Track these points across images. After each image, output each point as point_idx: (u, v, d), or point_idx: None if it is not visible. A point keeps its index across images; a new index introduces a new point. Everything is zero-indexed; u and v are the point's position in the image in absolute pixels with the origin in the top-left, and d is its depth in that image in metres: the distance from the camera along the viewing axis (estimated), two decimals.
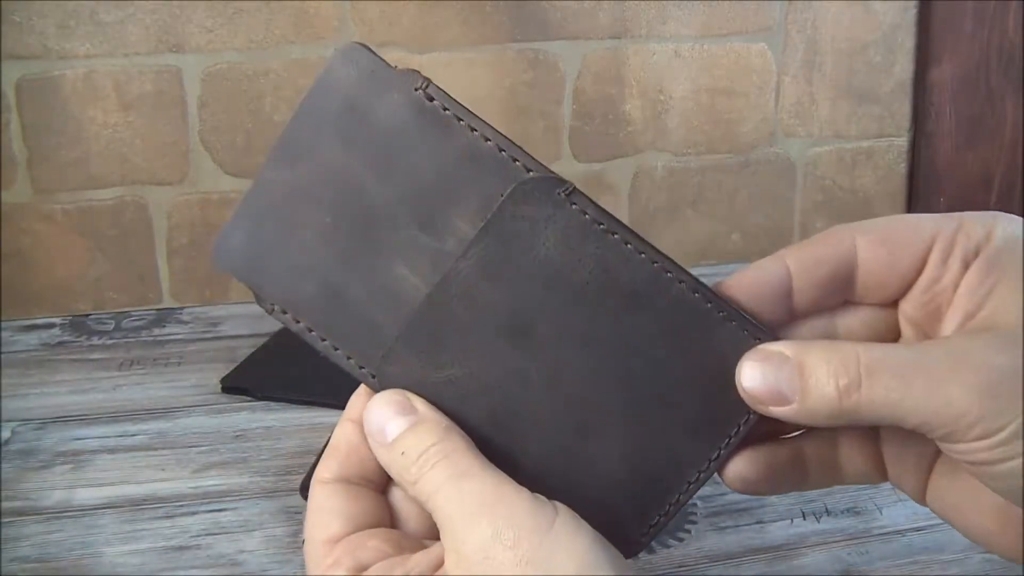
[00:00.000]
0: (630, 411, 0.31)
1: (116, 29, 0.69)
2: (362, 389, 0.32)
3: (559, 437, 0.31)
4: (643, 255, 0.31)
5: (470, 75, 0.74)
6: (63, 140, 0.71)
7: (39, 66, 0.69)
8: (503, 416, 0.31)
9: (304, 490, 0.50)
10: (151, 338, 0.71)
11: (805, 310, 0.32)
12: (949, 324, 0.30)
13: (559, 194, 0.30)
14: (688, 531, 0.48)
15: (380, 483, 0.32)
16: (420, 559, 0.30)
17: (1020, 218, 0.31)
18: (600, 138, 0.79)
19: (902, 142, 0.85)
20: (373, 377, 0.31)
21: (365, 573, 0.30)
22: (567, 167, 0.79)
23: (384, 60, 0.30)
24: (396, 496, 0.32)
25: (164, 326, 0.72)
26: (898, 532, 0.48)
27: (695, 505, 0.50)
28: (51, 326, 0.72)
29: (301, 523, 0.49)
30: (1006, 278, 0.29)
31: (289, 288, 0.31)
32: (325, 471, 0.32)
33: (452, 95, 0.30)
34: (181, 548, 0.47)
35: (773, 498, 0.51)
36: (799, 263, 0.31)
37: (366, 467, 0.32)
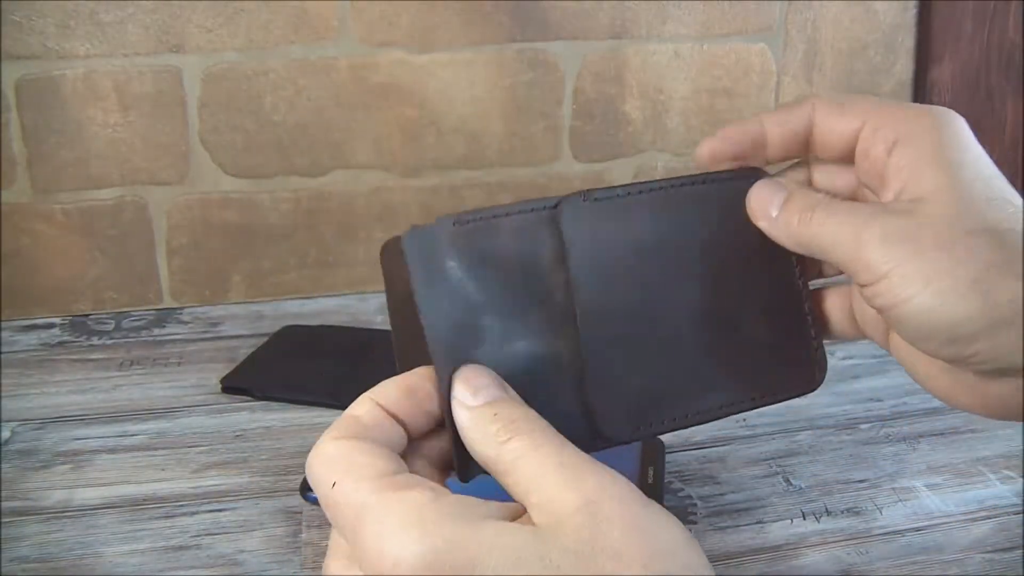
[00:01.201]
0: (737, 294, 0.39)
1: (116, 29, 0.69)
2: (397, 377, 0.33)
3: (715, 341, 0.38)
4: (651, 190, 0.38)
5: (470, 75, 0.74)
6: (63, 140, 0.71)
7: (39, 66, 0.69)
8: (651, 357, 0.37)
9: (304, 490, 0.50)
10: (151, 338, 0.71)
11: (777, 158, 0.40)
12: (888, 194, 0.36)
13: (583, 200, 0.36)
14: (688, 531, 0.48)
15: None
16: (495, 505, 0.29)
17: (958, 116, 0.36)
18: (600, 138, 0.79)
19: None
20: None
21: (448, 495, 0.29)
22: (567, 167, 0.79)
23: (428, 225, 0.35)
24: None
25: (164, 326, 0.72)
26: (898, 532, 0.48)
27: (695, 505, 0.50)
28: (51, 326, 0.73)
29: (300, 523, 0.49)
30: (922, 161, 0.35)
31: None
32: (341, 431, 0.31)
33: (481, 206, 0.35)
34: (181, 548, 0.47)
35: (773, 498, 0.51)
36: (770, 119, 0.39)
37: (391, 440, 0.32)
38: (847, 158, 0.38)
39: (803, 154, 0.40)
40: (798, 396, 0.39)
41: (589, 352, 0.36)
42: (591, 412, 0.36)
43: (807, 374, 0.39)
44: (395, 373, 0.34)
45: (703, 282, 0.38)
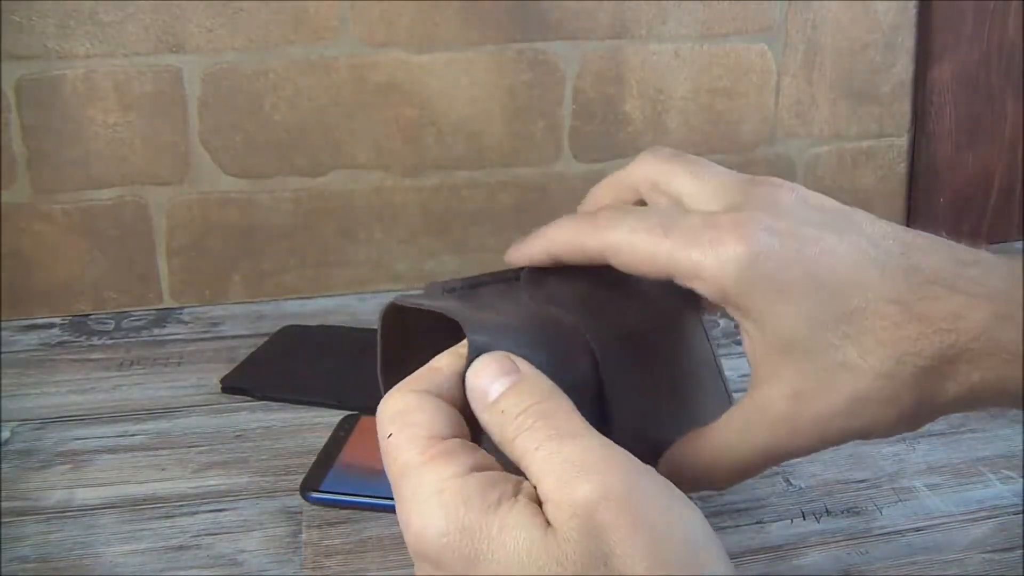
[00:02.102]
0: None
1: (116, 29, 0.69)
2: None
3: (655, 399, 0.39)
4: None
5: (470, 75, 0.74)
6: (63, 140, 0.71)
7: (39, 66, 0.69)
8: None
9: (305, 490, 0.50)
10: (151, 338, 0.71)
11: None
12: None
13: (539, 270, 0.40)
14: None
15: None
16: (521, 487, 0.29)
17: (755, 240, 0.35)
18: (600, 138, 0.79)
19: (902, 142, 0.85)
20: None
21: (476, 473, 0.29)
22: (567, 167, 0.79)
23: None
24: None
25: (164, 326, 0.72)
26: (898, 532, 0.48)
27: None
28: (51, 326, 0.72)
29: (300, 523, 0.49)
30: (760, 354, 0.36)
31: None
32: (417, 383, 0.31)
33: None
34: (181, 548, 0.47)
35: (773, 498, 0.51)
36: (561, 250, 0.39)
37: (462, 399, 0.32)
38: None
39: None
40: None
41: (604, 369, 0.36)
42: (607, 424, 0.35)
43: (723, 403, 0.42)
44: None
45: (662, 333, 0.41)
